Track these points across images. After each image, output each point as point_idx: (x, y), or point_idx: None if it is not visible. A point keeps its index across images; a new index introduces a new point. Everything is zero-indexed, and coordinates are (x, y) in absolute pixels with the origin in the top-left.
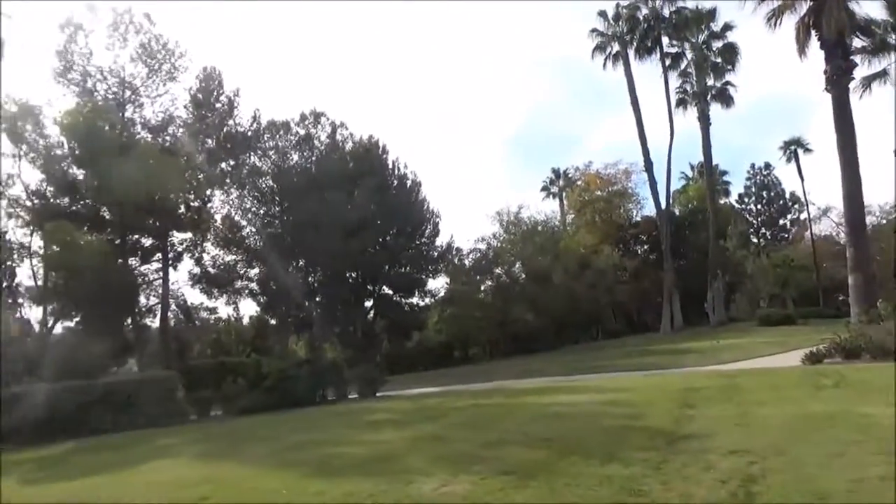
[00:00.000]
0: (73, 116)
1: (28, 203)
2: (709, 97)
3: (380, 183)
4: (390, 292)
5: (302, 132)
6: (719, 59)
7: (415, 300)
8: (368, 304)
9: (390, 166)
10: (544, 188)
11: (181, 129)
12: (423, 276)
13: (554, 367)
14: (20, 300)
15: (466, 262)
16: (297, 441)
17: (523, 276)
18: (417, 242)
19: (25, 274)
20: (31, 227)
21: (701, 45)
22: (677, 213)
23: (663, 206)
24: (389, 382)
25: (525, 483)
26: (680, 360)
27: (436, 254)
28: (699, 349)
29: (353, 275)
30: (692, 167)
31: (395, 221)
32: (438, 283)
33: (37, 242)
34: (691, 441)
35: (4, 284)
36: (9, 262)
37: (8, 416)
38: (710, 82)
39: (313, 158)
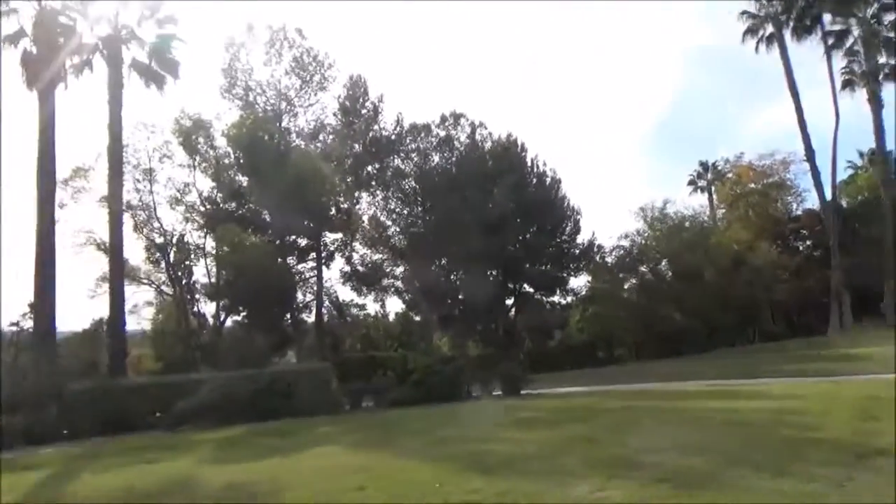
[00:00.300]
0: (237, 128)
1: (202, 208)
2: (880, 76)
3: (519, 181)
4: (531, 290)
5: (442, 133)
6: (892, 34)
7: (556, 298)
8: (509, 302)
9: (529, 164)
10: (691, 182)
11: (331, 136)
12: (565, 275)
13: (708, 370)
14: (197, 296)
15: (609, 259)
16: (447, 436)
17: (670, 273)
18: (558, 240)
19: (201, 272)
20: (205, 230)
21: (870, 19)
22: (844, 205)
23: (828, 197)
24: (534, 381)
25: (686, 493)
26: (853, 365)
27: (577, 251)
28: (875, 354)
29: (494, 273)
30: (861, 155)
31: (535, 219)
32: (580, 282)
33: (210, 244)
34: (880, 458)
35: (184, 282)
36: (187, 262)
37: (191, 400)
38: (882, 60)
39: (453, 159)
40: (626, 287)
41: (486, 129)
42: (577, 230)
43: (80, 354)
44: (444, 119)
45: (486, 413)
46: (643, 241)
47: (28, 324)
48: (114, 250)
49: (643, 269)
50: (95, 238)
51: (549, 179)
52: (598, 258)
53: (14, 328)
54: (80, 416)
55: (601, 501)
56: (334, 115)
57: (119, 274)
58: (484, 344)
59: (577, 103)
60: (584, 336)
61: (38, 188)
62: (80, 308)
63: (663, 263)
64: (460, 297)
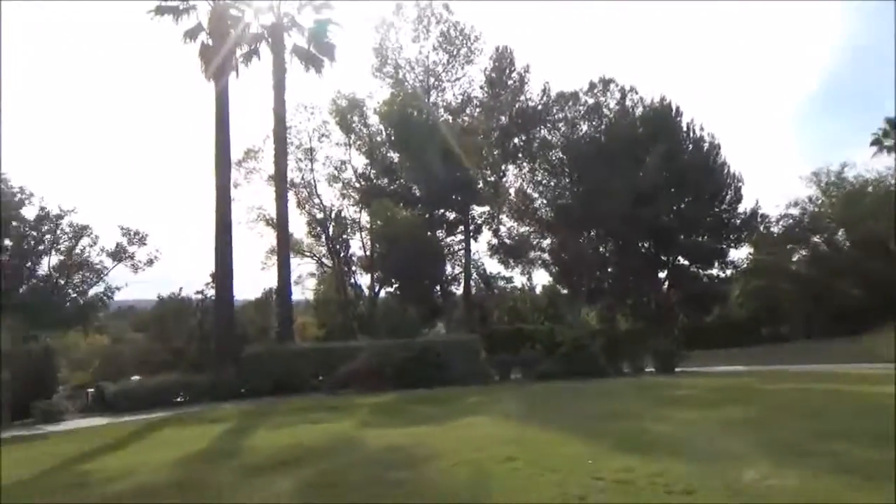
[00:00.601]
0: (388, 106)
1: (357, 185)
2: None
3: (673, 147)
4: (686, 263)
5: (590, 101)
6: None
7: (714, 271)
8: (662, 275)
9: (684, 129)
10: (875, 142)
11: (478, 109)
12: (724, 246)
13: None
14: (354, 268)
15: (774, 229)
16: (597, 411)
17: (847, 243)
18: (717, 209)
19: (357, 245)
20: (360, 206)
21: None
22: None
23: None
24: (688, 358)
25: (873, 486)
26: None
27: (738, 221)
28: None
29: (646, 245)
30: None
31: (690, 187)
32: (741, 254)
33: (364, 218)
34: None
35: (342, 255)
36: (344, 236)
37: (349, 365)
38: None
39: (602, 127)
40: (794, 259)
41: (636, 93)
42: (738, 198)
43: (254, 320)
44: (592, 86)
45: (639, 390)
46: (816, 209)
47: (210, 292)
48: (280, 225)
49: (816, 239)
50: (265, 214)
51: (706, 145)
52: (761, 228)
53: (199, 296)
54: (254, 376)
55: (773, 489)
56: (481, 87)
57: (285, 247)
58: (634, 318)
59: (734, 63)
60: (745, 311)
61: (217, 171)
62: (253, 278)
63: (840, 233)
64: (609, 269)
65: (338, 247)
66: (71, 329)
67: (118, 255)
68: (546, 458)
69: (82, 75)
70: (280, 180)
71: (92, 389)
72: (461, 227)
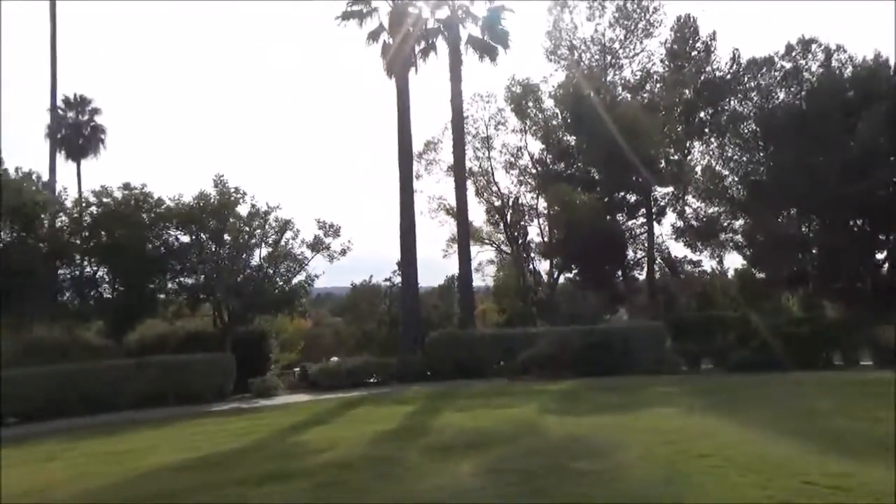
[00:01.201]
0: (563, 88)
1: (533, 170)
2: None
3: (891, 110)
4: None
5: (788, 66)
6: None
7: None
8: (880, 256)
9: None
10: None
11: (658, 85)
12: None
13: None
14: (532, 254)
15: None
16: (802, 407)
17: None
18: None
19: (535, 232)
20: (537, 192)
21: None
22: None
23: None
24: None
25: None
26: None
27: None
28: None
29: (859, 222)
30: None
31: None
32: None
33: (542, 204)
34: None
35: (520, 241)
36: (522, 223)
37: (529, 351)
38: None
39: (802, 93)
40: None
41: (844, 52)
42: None
43: (437, 306)
44: (789, 49)
45: (852, 386)
46: None
47: (397, 279)
48: (460, 214)
49: None
50: (445, 204)
51: None
52: None
53: (387, 283)
54: (438, 360)
55: None
56: (661, 61)
57: (465, 235)
58: (846, 305)
59: None
60: None
61: (400, 164)
62: (436, 266)
63: None
64: (813, 251)
65: (516, 233)
66: (279, 314)
67: (316, 246)
68: (745, 457)
69: (278, 84)
70: (459, 170)
71: (297, 369)
72: (643, 210)
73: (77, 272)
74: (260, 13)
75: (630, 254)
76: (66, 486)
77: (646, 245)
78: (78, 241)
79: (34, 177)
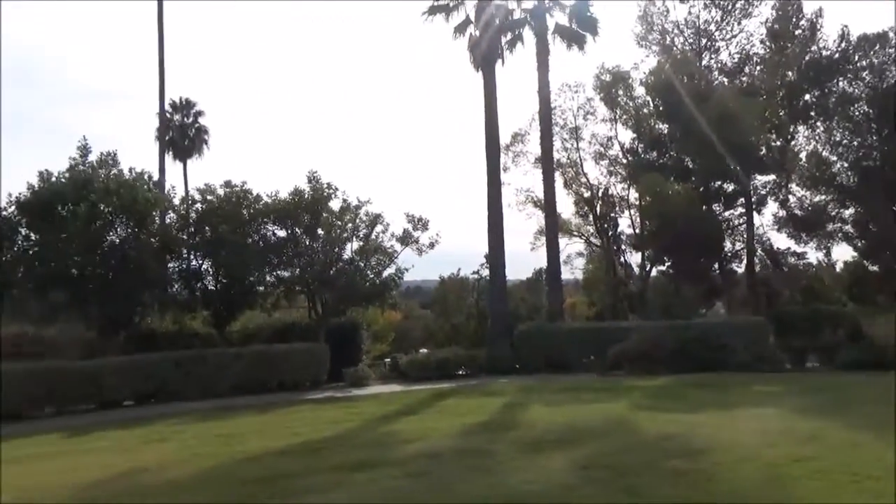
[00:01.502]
0: (655, 75)
1: (624, 161)
2: None
3: None
4: None
5: None
6: None
7: None
8: None
9: None
10: None
11: (758, 67)
12: None
13: None
14: (623, 247)
15: None
16: None
17: None
18: None
19: (626, 224)
20: (628, 182)
21: None
22: None
23: None
24: None
25: None
26: None
27: None
28: None
29: None
30: None
31: None
32: None
33: (633, 195)
34: None
35: (610, 233)
36: (612, 214)
37: (621, 346)
38: None
39: None
40: None
41: None
42: None
43: (525, 299)
44: None
45: None
46: None
47: (485, 272)
48: (548, 206)
49: None
50: (533, 196)
51: None
52: None
53: (475, 276)
54: (526, 353)
55: None
56: (761, 42)
57: (553, 227)
58: None
59: None
60: None
61: (487, 157)
62: (524, 258)
63: None
64: None
65: (606, 225)
66: (370, 306)
67: (405, 239)
68: (857, 463)
69: (367, 82)
70: (547, 161)
71: (388, 359)
72: (741, 200)
73: (184, 265)
74: (348, 13)
75: (727, 245)
76: (180, 465)
77: (744, 236)
78: (185, 237)
79: (146, 177)
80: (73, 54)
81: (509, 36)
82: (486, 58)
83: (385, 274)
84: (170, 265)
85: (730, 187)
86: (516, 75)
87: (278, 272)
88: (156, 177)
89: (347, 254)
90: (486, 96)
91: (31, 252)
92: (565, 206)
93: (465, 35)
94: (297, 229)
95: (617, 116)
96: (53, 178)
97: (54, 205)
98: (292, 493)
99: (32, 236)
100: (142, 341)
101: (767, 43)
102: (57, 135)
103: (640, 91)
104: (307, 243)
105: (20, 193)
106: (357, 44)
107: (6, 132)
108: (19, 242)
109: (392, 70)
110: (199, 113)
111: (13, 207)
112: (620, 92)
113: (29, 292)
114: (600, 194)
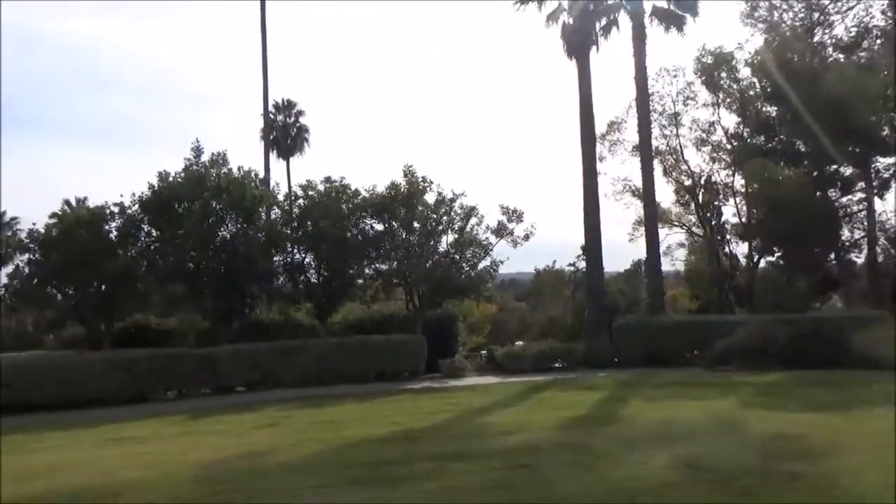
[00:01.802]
0: (762, 54)
1: (728, 146)
2: None
3: None
4: None
5: None
6: None
7: None
8: None
9: None
10: None
11: (879, 41)
12: None
13: None
14: (727, 236)
15: None
16: None
17: None
18: None
19: (730, 212)
20: (733, 168)
21: None
22: None
23: None
24: None
25: None
26: None
27: None
28: None
29: None
30: None
31: None
32: None
33: (738, 182)
34: None
35: (714, 223)
36: (716, 203)
37: (729, 341)
38: None
39: None
40: None
41: None
42: None
43: (624, 292)
44: None
45: None
46: None
47: (581, 264)
48: (647, 196)
49: None
50: (630, 185)
51: None
52: None
53: (571, 268)
54: (626, 347)
55: None
56: (882, 13)
57: (653, 217)
58: None
59: None
60: None
61: (582, 146)
62: (622, 250)
63: None
64: None
65: (709, 214)
66: (466, 298)
67: (500, 231)
68: None
69: (460, 74)
70: (645, 149)
71: (484, 351)
72: (861, 184)
73: (288, 259)
74: (443, 12)
75: (845, 234)
76: (289, 449)
77: (864, 223)
78: (288, 231)
79: (253, 175)
80: (187, 63)
81: (604, 21)
82: (579, 45)
83: (480, 266)
84: (275, 259)
85: (847, 171)
86: (611, 62)
87: (376, 265)
88: (261, 175)
89: (443, 246)
90: (580, 84)
91: (152, 248)
92: (665, 194)
93: (558, 23)
94: (393, 223)
95: (720, 100)
96: (171, 178)
97: (171, 203)
98: (395, 480)
99: (154, 233)
100: (251, 331)
101: (889, 14)
102: (174, 138)
103: (745, 72)
104: (403, 236)
105: (142, 193)
106: (450, 38)
107: (135, 141)
108: (142, 239)
109: (485, 62)
110: (300, 113)
111: (136, 206)
112: (724, 74)
113: (152, 285)
114: (702, 182)
